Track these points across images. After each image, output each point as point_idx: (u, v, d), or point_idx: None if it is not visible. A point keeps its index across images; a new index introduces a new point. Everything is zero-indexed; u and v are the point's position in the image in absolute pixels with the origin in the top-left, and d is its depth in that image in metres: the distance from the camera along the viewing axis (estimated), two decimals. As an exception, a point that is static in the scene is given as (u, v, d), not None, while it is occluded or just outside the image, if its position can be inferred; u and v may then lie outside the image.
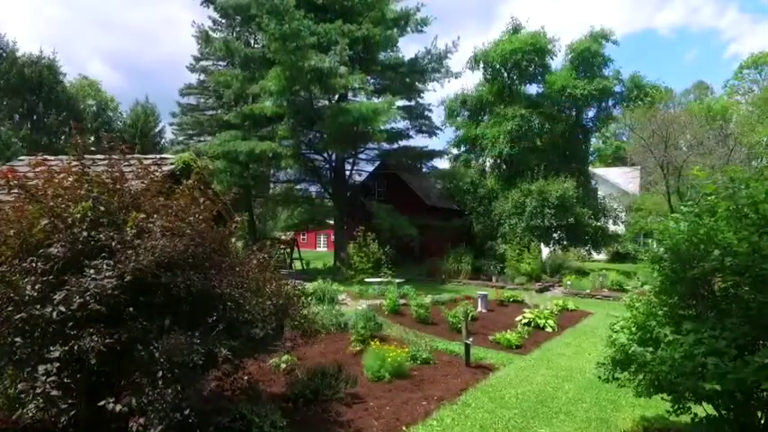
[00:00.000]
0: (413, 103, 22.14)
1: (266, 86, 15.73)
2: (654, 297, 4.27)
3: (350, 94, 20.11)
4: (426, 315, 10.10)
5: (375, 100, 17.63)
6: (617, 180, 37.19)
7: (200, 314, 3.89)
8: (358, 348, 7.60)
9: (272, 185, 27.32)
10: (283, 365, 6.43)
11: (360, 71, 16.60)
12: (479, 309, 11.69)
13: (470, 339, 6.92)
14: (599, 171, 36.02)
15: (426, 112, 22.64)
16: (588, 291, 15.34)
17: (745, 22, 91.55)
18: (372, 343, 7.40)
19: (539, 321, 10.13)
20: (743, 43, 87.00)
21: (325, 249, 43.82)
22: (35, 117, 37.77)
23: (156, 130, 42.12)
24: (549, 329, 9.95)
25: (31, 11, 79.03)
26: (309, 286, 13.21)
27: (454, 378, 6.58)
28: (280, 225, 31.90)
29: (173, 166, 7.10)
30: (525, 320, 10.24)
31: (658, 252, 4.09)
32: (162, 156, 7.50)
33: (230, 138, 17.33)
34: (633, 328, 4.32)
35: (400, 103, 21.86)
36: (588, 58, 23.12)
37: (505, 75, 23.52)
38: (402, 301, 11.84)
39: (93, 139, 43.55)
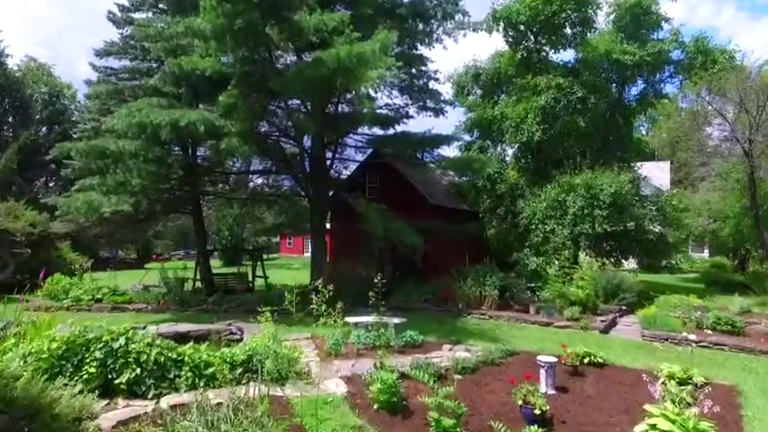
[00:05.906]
0: (414, 71, 16.84)
1: (195, 26, 10.31)
2: None
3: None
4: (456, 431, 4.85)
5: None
6: (650, 175, 32.25)
7: None
8: None
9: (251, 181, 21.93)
10: None
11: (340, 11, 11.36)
12: (544, 389, 6.48)
13: None
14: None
15: (432, 84, 17.31)
16: (683, 333, 10.08)
17: (742, 21, 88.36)
18: None
19: (687, 439, 4.89)
20: (740, 42, 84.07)
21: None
22: (-31, 103, 32.61)
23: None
24: (713, 461, 4.72)
25: (20, 11, 73.93)
26: (249, 343, 7.87)
27: None
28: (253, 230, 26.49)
29: None
30: (658, 436, 5.00)
31: None
32: None
33: (145, 106, 11.81)
34: None
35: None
36: (639, 15, 18.02)
37: (532, 38, 18.36)
38: (403, 369, 6.68)
39: (44, 129, 38.11)
